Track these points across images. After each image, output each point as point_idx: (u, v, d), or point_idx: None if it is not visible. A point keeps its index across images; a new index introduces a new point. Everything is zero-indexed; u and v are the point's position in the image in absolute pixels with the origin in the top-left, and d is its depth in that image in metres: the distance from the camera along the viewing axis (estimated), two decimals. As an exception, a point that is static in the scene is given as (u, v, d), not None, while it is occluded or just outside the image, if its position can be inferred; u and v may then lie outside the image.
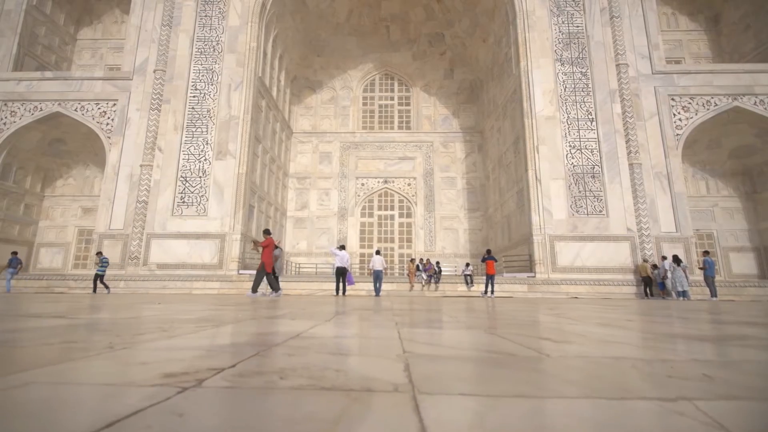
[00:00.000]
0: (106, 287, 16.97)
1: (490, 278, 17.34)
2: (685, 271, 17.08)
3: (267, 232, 14.57)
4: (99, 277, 16.95)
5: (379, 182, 28.67)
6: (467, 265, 19.96)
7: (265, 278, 13.89)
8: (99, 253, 17.77)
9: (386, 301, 11.21)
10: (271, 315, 4.78)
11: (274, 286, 13.61)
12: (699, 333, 3.29)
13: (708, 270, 16.88)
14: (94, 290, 16.99)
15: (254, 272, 19.70)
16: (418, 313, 5.86)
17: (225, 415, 0.98)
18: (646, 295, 17.55)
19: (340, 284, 16.05)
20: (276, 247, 14.57)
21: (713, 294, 16.73)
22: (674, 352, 2.28)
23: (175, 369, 1.53)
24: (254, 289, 13.41)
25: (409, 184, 28.62)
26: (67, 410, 1.02)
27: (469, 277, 19.01)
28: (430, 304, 9.42)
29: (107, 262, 17.39)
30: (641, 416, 1.07)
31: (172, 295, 14.70)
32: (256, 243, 13.95)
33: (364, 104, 30.45)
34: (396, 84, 30.73)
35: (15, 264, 17.61)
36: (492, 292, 17.27)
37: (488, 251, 18.47)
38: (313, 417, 0.97)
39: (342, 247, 17.03)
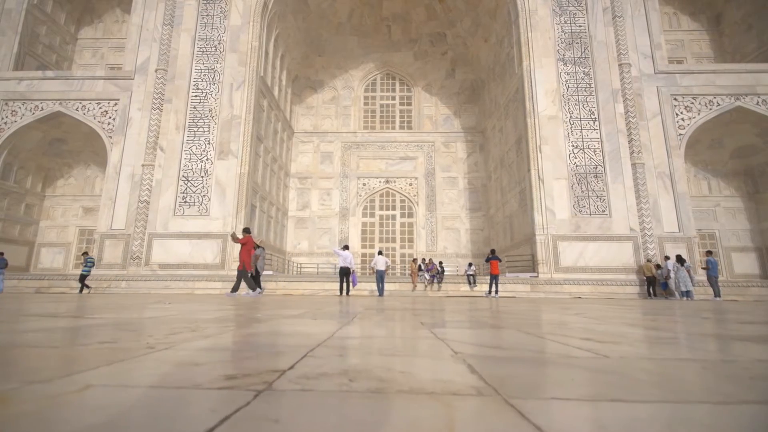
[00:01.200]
0: (87, 287, 16.93)
1: (494, 278, 17.31)
2: (689, 271, 17.06)
3: (247, 230, 14.50)
4: (84, 277, 16.90)
5: (380, 182, 28.62)
6: (470, 264, 19.89)
7: (258, 277, 13.89)
8: (85, 253, 17.72)
9: (395, 301, 11.17)
10: (290, 315, 4.72)
11: (251, 285, 13.42)
12: (738, 333, 3.24)
13: (711, 270, 16.87)
14: (81, 290, 16.92)
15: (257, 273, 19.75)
16: (437, 313, 5.81)
17: (325, 422, 0.93)
18: (649, 295, 17.51)
19: (344, 284, 16.01)
20: (257, 246, 14.49)
21: (717, 294, 16.72)
22: (729, 353, 2.24)
23: (232, 370, 1.48)
24: (234, 289, 13.30)
25: (410, 184, 28.58)
26: (152, 416, 0.97)
27: (472, 277, 18.95)
28: (441, 304, 9.37)
29: (93, 263, 17.35)
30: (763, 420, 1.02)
31: (175, 295, 14.61)
32: (234, 236, 13.82)
33: (366, 104, 30.40)
34: (397, 84, 30.69)
35: (3, 264, 17.50)
36: (496, 292, 17.24)
37: (492, 251, 18.43)
38: (421, 424, 0.92)
39: (346, 247, 16.98)
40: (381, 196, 28.64)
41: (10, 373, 1.42)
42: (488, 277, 19.16)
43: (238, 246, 19.34)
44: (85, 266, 17.02)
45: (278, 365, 1.58)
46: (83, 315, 4.25)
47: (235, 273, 19.04)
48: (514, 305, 9.09)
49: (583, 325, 3.72)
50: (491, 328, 3.31)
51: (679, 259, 17.27)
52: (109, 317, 4.07)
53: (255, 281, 14.26)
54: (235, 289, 13.44)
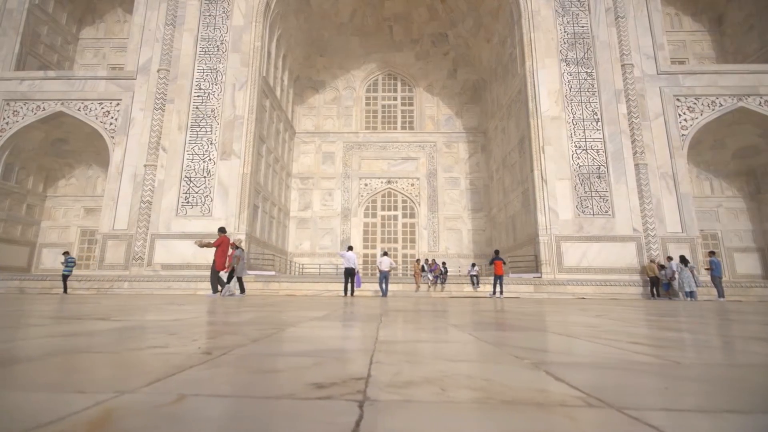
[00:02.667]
0: (65, 289, 16.85)
1: (498, 279, 17.30)
2: (693, 272, 17.07)
3: (222, 230, 14.30)
4: (65, 277, 16.83)
5: (382, 182, 28.60)
6: (473, 265, 19.87)
7: (232, 278, 13.80)
8: (66, 253, 17.62)
9: (404, 302, 11.15)
10: (314, 317, 4.69)
11: (216, 287, 13.20)
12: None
13: (715, 270, 16.86)
14: (65, 290, 16.86)
15: (260, 273, 19.73)
16: (457, 315, 5.77)
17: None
18: (653, 295, 17.52)
19: (349, 285, 15.99)
20: (237, 247, 14.37)
21: (720, 294, 16.70)
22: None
23: (314, 378, 1.44)
24: (214, 290, 13.22)
25: (412, 185, 28.57)
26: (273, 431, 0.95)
27: (475, 278, 18.93)
28: (452, 305, 9.34)
29: (73, 263, 17.29)
30: None
31: (178, 296, 14.53)
32: (201, 242, 13.67)
33: (367, 104, 30.38)
34: (399, 84, 30.67)
35: None
36: (501, 292, 17.23)
37: (496, 252, 18.44)
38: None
39: (350, 248, 16.96)
40: (383, 196, 28.61)
41: (92, 381, 1.39)
42: (491, 278, 19.18)
43: (242, 246, 19.43)
44: (66, 266, 16.94)
45: (353, 372, 1.56)
46: (109, 317, 4.21)
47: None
48: (525, 306, 9.08)
49: (612, 326, 3.70)
50: (528, 331, 3.28)
51: (683, 260, 17.28)
52: (135, 319, 4.04)
53: (239, 282, 14.18)
54: (215, 289, 13.36)
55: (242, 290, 14.24)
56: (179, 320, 4.04)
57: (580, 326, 3.79)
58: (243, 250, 14.72)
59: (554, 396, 1.24)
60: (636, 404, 1.16)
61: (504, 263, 17.70)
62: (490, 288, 18.45)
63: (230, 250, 14.49)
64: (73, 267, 17.27)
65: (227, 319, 4.07)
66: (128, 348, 2.14)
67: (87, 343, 2.33)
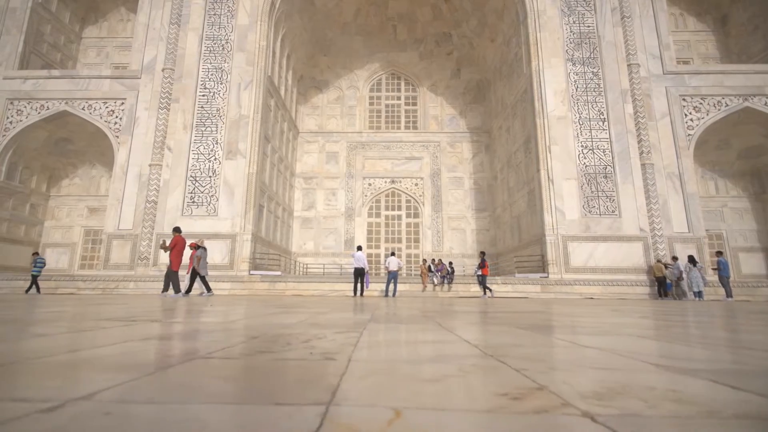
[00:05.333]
0: (34, 289, 16.72)
1: (484, 279, 17.60)
2: (700, 272, 17.05)
3: (177, 230, 14.21)
4: (34, 277, 16.73)
5: (386, 182, 28.54)
6: (479, 265, 19.80)
7: (195, 278, 13.78)
8: (35, 254, 17.54)
9: (420, 302, 11.12)
10: (361, 319, 4.64)
11: (177, 287, 13.13)
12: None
13: (723, 270, 16.85)
14: (37, 290, 16.79)
15: (266, 273, 19.66)
16: (490, 315, 5.73)
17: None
18: (660, 295, 17.48)
19: (358, 285, 15.93)
20: (198, 246, 14.29)
21: (728, 294, 16.70)
22: None
23: (487, 386, 1.35)
24: (176, 290, 13.11)
25: (416, 184, 28.51)
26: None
27: (482, 278, 18.86)
28: (468, 305, 9.30)
29: (43, 263, 17.18)
30: None
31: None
32: (164, 245, 13.57)
33: (371, 104, 30.31)
34: (403, 84, 30.61)
35: None
36: (489, 290, 17.52)
37: (482, 254, 18.56)
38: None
39: (359, 248, 16.92)
40: (387, 196, 28.55)
41: (281, 391, 1.31)
42: (498, 278, 19.28)
43: (247, 246, 19.39)
44: (35, 267, 16.83)
45: (525, 381, 1.46)
46: (171, 319, 4.15)
47: (245, 274, 19.10)
48: (544, 306, 9.04)
49: (660, 328, 3.66)
50: (612, 336, 3.21)
51: (691, 260, 17.25)
52: (203, 321, 3.98)
53: (203, 282, 14.10)
54: (165, 288, 13.40)
55: (208, 289, 14.13)
56: (231, 322, 3.98)
57: (629, 327, 3.73)
58: (205, 249, 14.56)
59: (714, 404, 1.17)
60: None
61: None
62: (496, 287, 18.45)
63: (190, 251, 14.47)
64: (42, 267, 17.09)
65: (279, 321, 4.00)
66: (262, 354, 2.07)
67: (213, 347, 2.26)
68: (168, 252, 13.60)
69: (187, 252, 14.86)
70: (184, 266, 15.18)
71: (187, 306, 7.03)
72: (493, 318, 5.09)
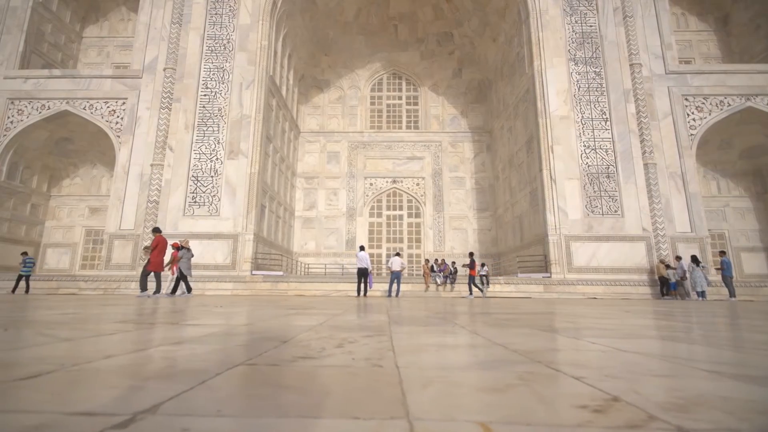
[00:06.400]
0: (17, 289, 16.72)
1: (471, 279, 17.66)
2: (703, 272, 17.04)
3: (156, 230, 14.13)
4: (21, 278, 16.72)
5: (387, 182, 28.50)
6: (482, 265, 19.76)
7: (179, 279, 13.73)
8: (24, 253, 17.45)
9: (428, 302, 11.08)
10: (385, 320, 4.60)
11: (144, 286, 12.95)
12: None
13: (726, 270, 16.83)
14: (25, 289, 16.77)
15: (268, 273, 19.62)
16: (510, 316, 5.69)
17: None
18: (663, 294, 17.47)
19: (362, 285, 15.89)
20: (182, 247, 14.25)
21: (732, 294, 16.67)
22: None
23: (566, 401, 1.31)
24: (141, 288, 12.97)
25: (417, 184, 28.48)
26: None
27: (485, 278, 18.83)
28: (476, 306, 9.25)
29: (32, 263, 17.14)
30: None
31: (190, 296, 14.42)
32: (147, 249, 13.57)
33: (372, 104, 30.27)
34: (404, 83, 30.58)
35: None
36: (471, 293, 17.61)
37: (471, 254, 18.59)
38: None
39: (362, 248, 16.88)
40: (388, 196, 28.51)
41: (350, 403, 1.27)
42: (501, 278, 19.27)
43: (249, 246, 19.33)
44: (25, 266, 16.79)
45: (593, 391, 1.43)
46: (189, 321, 4.11)
47: (247, 274, 19.05)
48: (552, 307, 9.01)
49: (684, 330, 3.63)
50: (619, 338, 3.18)
51: (694, 260, 17.24)
52: (222, 324, 3.94)
53: (185, 283, 14.06)
54: (143, 288, 13.18)
55: (188, 290, 14.08)
56: (251, 323, 3.93)
57: (667, 330, 3.70)
58: (188, 249, 14.51)
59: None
60: None
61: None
62: (500, 288, 18.47)
63: (172, 250, 14.43)
64: (32, 267, 17.09)
65: (300, 323, 3.96)
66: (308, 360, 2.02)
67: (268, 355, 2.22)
68: (149, 253, 13.52)
69: (172, 253, 14.85)
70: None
71: (197, 306, 6.98)
72: (509, 320, 5.05)
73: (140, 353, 2.18)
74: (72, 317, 4.73)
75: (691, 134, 19.98)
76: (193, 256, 14.91)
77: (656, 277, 17.91)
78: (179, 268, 13.86)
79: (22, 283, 17.11)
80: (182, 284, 14.15)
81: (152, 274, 13.34)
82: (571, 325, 4.12)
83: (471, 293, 17.52)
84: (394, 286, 16.74)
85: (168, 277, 14.87)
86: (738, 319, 5.54)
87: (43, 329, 3.34)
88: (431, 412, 1.16)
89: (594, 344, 2.66)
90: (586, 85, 20.40)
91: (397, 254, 17.72)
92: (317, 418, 1.09)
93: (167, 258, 14.23)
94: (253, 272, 19.13)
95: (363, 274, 15.76)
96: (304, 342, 2.62)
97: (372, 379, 1.60)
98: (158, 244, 13.56)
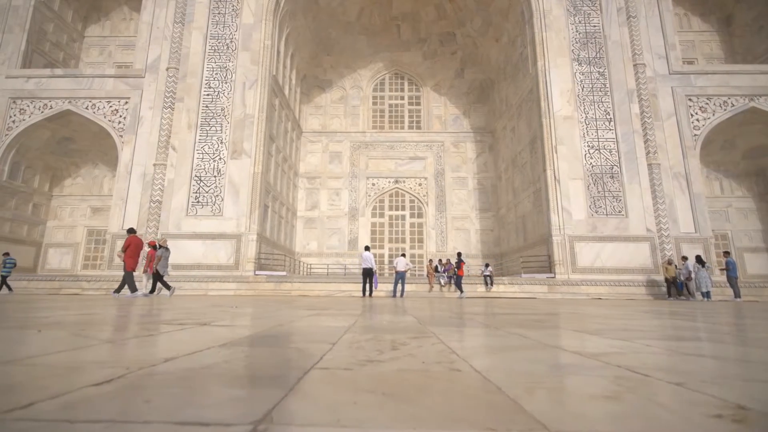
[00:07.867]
0: (9, 288, 16.68)
1: (459, 279, 17.74)
2: (707, 272, 17.02)
3: (131, 230, 14.21)
4: (3, 278, 16.62)
5: (389, 182, 28.45)
6: (486, 265, 19.75)
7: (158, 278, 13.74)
8: (5, 254, 17.36)
9: (438, 303, 11.02)
10: (414, 320, 4.54)
11: (132, 287, 13.02)
12: None
13: (731, 270, 16.83)
14: (8, 289, 16.69)
15: (271, 273, 19.54)
16: (531, 317, 5.63)
17: None
18: (669, 295, 17.45)
19: (367, 285, 15.83)
20: (160, 246, 14.26)
21: (737, 294, 16.68)
22: None
23: (696, 409, 1.24)
24: (132, 290, 13.00)
25: (420, 184, 28.44)
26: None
27: (488, 278, 18.80)
28: (485, 306, 9.20)
29: (13, 264, 17.04)
30: None
31: (189, 296, 14.35)
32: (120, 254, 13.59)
33: (374, 104, 30.21)
34: (406, 83, 30.53)
35: None
36: (462, 291, 17.67)
37: (459, 254, 18.70)
38: None
39: (367, 248, 16.82)
40: (390, 196, 28.46)
41: (456, 411, 1.21)
42: (505, 278, 19.22)
43: (252, 246, 19.25)
44: (5, 267, 16.70)
45: (710, 399, 1.36)
46: (218, 322, 4.04)
47: (250, 274, 18.97)
48: (562, 307, 8.96)
49: (719, 332, 3.58)
50: (666, 340, 3.13)
51: (699, 260, 17.22)
52: (248, 325, 3.88)
53: (161, 282, 14.02)
54: (118, 289, 13.33)
55: (167, 288, 14.08)
56: (280, 325, 3.87)
57: (702, 331, 3.65)
58: (167, 249, 14.53)
59: None
60: None
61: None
62: (504, 288, 18.43)
63: (149, 249, 14.47)
64: (12, 268, 17.00)
65: (330, 324, 3.91)
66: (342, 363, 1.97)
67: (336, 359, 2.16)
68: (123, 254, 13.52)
69: (149, 252, 14.89)
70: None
71: (210, 307, 6.90)
72: (534, 320, 5.01)
73: (194, 356, 2.11)
74: (90, 318, 4.66)
75: (695, 134, 19.99)
76: (170, 254, 14.98)
77: (662, 278, 17.87)
78: (155, 267, 13.87)
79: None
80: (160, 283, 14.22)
81: (124, 273, 13.36)
82: (603, 327, 4.07)
83: (462, 291, 17.53)
84: (399, 286, 16.68)
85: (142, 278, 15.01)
86: (755, 320, 5.50)
87: (76, 330, 3.28)
88: (566, 422, 1.10)
89: (648, 347, 2.61)
90: (590, 85, 20.39)
91: (402, 255, 17.69)
92: (441, 430, 1.02)
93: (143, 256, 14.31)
94: (257, 272, 19.05)
95: (368, 275, 15.70)
96: (355, 344, 2.56)
97: (464, 385, 1.54)
98: (130, 244, 13.55)
